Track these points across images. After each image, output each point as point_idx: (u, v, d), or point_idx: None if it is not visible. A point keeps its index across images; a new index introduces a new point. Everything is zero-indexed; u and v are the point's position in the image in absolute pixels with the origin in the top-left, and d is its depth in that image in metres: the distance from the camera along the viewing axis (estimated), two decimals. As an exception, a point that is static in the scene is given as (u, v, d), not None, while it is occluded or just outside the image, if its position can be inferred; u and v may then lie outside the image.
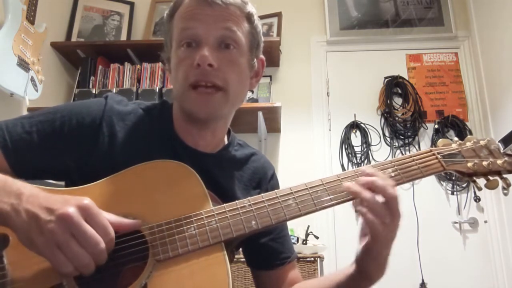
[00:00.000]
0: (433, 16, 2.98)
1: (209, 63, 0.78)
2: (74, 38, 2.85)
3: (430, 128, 2.77)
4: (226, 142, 0.94)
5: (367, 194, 0.70)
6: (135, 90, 2.58)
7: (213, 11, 0.80)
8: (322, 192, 0.73)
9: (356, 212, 0.71)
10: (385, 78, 2.87)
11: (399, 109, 2.81)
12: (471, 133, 2.72)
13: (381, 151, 2.75)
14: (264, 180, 0.96)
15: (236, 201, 0.73)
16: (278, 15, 2.92)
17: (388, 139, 2.77)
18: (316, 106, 2.86)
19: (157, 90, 2.56)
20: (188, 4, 0.82)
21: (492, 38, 2.65)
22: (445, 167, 0.78)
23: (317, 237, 2.24)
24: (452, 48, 2.95)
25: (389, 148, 2.75)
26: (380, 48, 2.97)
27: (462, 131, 2.71)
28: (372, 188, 0.70)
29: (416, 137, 2.74)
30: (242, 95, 0.88)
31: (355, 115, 2.82)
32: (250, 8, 0.86)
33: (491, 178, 0.79)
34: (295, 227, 2.18)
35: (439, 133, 2.72)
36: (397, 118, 2.79)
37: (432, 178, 2.67)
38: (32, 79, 2.16)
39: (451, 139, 0.84)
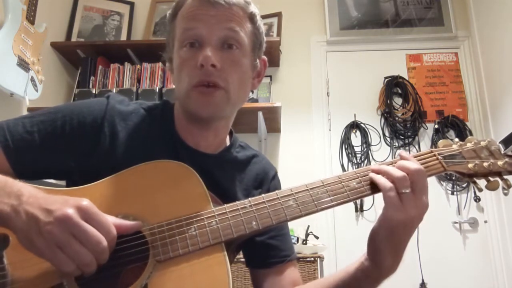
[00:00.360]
0: (433, 16, 2.98)
1: (212, 63, 0.77)
2: (74, 38, 2.85)
3: (430, 128, 2.77)
4: (228, 143, 0.94)
5: (388, 167, 0.73)
6: (135, 90, 2.58)
7: (216, 12, 0.80)
8: (323, 193, 0.73)
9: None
10: (385, 78, 2.88)
11: (399, 109, 2.81)
12: (471, 133, 2.72)
13: (381, 151, 2.75)
14: (266, 180, 0.95)
15: (237, 202, 0.73)
16: (278, 15, 2.92)
17: (388, 139, 2.78)
18: (316, 106, 2.86)
19: (157, 90, 2.56)
20: (191, 4, 0.82)
21: (492, 38, 2.65)
22: (446, 168, 0.78)
23: (317, 237, 2.24)
24: (452, 48, 2.95)
25: (389, 148, 2.75)
26: (380, 48, 2.97)
27: (462, 131, 2.71)
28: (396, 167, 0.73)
29: (416, 137, 2.74)
30: (244, 95, 0.88)
31: (355, 115, 2.82)
32: (253, 8, 0.85)
33: (491, 179, 0.79)
34: (295, 227, 2.18)
35: (439, 133, 2.72)
36: (397, 118, 2.79)
37: (432, 178, 2.66)
38: (32, 79, 2.16)
39: (452, 140, 0.84)
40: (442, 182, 2.67)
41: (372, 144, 2.77)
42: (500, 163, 0.78)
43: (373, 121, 2.82)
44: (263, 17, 2.85)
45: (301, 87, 2.89)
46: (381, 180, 0.72)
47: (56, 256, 0.57)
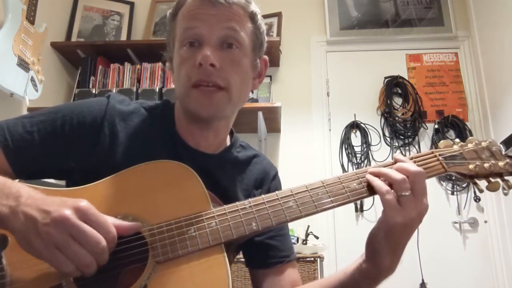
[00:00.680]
0: (433, 16, 2.98)
1: (211, 63, 0.77)
2: (74, 38, 2.84)
3: (430, 128, 2.77)
4: (228, 143, 0.93)
5: (387, 169, 0.73)
6: (135, 90, 2.58)
7: (216, 11, 0.79)
8: (323, 194, 0.73)
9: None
10: (385, 78, 2.87)
11: (399, 109, 2.81)
12: (471, 133, 2.72)
13: (381, 151, 2.75)
14: (267, 180, 0.95)
15: (237, 203, 0.72)
16: (278, 15, 2.92)
17: (388, 139, 2.77)
18: (316, 106, 2.85)
19: (157, 90, 2.56)
20: (191, 3, 0.82)
21: (492, 38, 2.64)
22: (447, 169, 0.78)
23: (317, 237, 2.23)
24: (452, 48, 2.94)
25: (389, 148, 2.75)
26: (380, 48, 2.97)
27: (462, 131, 2.71)
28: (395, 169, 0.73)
29: (416, 137, 2.74)
30: (244, 95, 0.87)
31: (355, 115, 2.82)
32: (254, 7, 0.85)
33: (492, 180, 0.78)
34: (295, 227, 2.18)
35: (439, 133, 2.72)
36: (397, 118, 2.79)
37: (432, 178, 2.65)
38: (32, 79, 2.16)
39: (453, 140, 0.84)
40: (442, 182, 2.66)
41: (372, 144, 2.77)
42: (501, 164, 0.78)
43: (373, 121, 2.82)
44: (263, 17, 2.84)
45: (301, 87, 2.89)
46: (377, 182, 0.71)
47: (55, 257, 0.56)
